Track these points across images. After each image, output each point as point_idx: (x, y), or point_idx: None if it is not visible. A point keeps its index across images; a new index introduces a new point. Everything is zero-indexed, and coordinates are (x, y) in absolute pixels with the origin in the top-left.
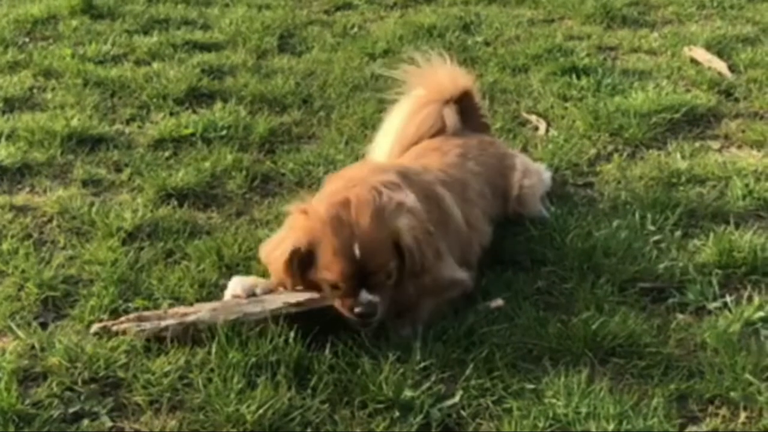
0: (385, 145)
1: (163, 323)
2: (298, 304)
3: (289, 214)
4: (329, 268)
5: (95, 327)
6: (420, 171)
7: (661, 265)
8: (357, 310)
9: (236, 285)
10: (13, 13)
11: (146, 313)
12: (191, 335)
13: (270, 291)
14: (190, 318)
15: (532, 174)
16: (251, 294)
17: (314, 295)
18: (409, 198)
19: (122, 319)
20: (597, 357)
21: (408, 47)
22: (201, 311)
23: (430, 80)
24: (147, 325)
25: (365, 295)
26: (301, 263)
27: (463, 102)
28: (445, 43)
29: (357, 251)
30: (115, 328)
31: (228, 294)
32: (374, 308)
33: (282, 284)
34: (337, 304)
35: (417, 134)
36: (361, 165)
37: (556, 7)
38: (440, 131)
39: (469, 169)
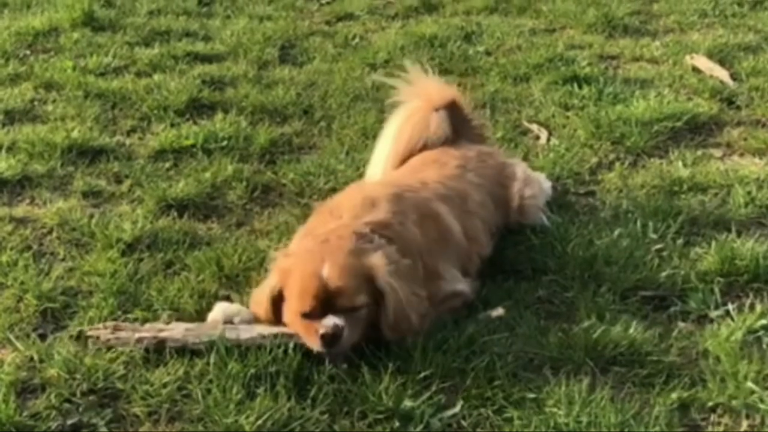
0: (382, 155)
1: (137, 335)
2: (272, 336)
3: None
4: (298, 295)
5: (74, 330)
6: (416, 188)
7: (663, 274)
8: (321, 331)
9: (218, 311)
10: (14, 26)
11: (122, 324)
12: (167, 351)
13: (249, 322)
14: (163, 334)
15: (534, 183)
16: (229, 321)
17: (288, 330)
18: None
19: (98, 325)
20: (598, 366)
21: (409, 57)
22: (174, 330)
23: (417, 91)
24: (122, 335)
25: (330, 319)
26: (278, 303)
27: (452, 112)
28: (446, 53)
29: (325, 273)
30: (90, 333)
31: (209, 317)
32: (339, 331)
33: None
34: (304, 333)
35: (410, 142)
36: (352, 192)
37: (557, 16)
38: (434, 139)
39: (469, 181)
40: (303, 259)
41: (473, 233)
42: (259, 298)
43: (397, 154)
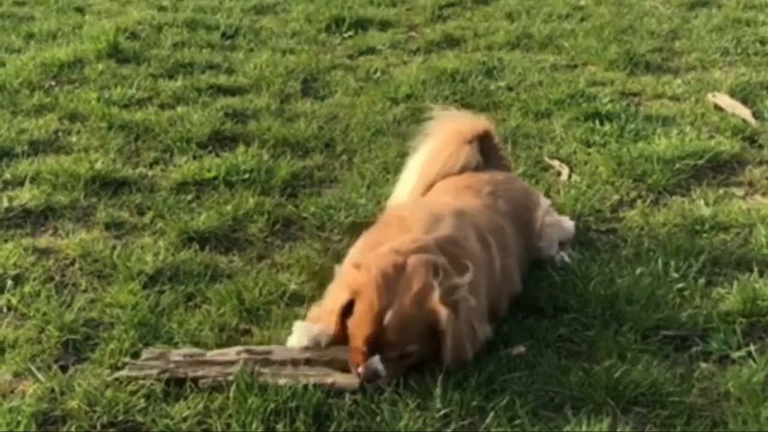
0: (409, 182)
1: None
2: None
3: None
4: (356, 327)
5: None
6: (474, 214)
7: (685, 313)
8: (360, 370)
9: (301, 333)
10: (40, 57)
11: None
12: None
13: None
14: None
15: (553, 215)
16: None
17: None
18: (466, 278)
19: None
20: (619, 405)
21: (431, 92)
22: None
23: (452, 123)
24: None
25: (374, 363)
26: (347, 316)
27: (484, 142)
28: (468, 88)
29: (387, 320)
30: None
31: (292, 342)
32: (376, 377)
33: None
34: (350, 355)
35: (440, 173)
36: (416, 206)
37: (579, 52)
38: (463, 169)
39: (501, 211)
40: (374, 285)
41: (508, 271)
42: (328, 306)
43: (425, 184)
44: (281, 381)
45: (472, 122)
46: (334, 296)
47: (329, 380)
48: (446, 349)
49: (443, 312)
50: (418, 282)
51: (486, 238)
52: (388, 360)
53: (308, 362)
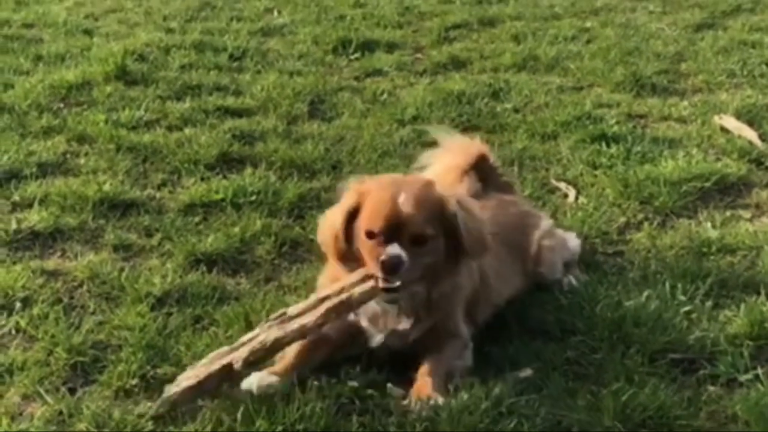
0: None
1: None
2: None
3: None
4: (371, 217)
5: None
6: None
7: (692, 336)
8: (382, 258)
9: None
10: (48, 79)
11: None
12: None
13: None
14: None
15: (555, 237)
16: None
17: None
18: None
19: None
20: (627, 429)
21: (437, 114)
22: None
23: (448, 155)
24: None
25: (395, 247)
26: (351, 222)
27: (480, 166)
28: (474, 110)
29: (401, 200)
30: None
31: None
32: (399, 261)
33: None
34: (367, 256)
35: None
36: None
37: (585, 74)
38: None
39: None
40: (380, 184)
41: (485, 275)
42: (332, 218)
43: None
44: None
45: (468, 149)
46: (338, 205)
47: (345, 296)
48: (463, 232)
49: (451, 199)
50: (421, 181)
51: None
52: (407, 248)
53: None
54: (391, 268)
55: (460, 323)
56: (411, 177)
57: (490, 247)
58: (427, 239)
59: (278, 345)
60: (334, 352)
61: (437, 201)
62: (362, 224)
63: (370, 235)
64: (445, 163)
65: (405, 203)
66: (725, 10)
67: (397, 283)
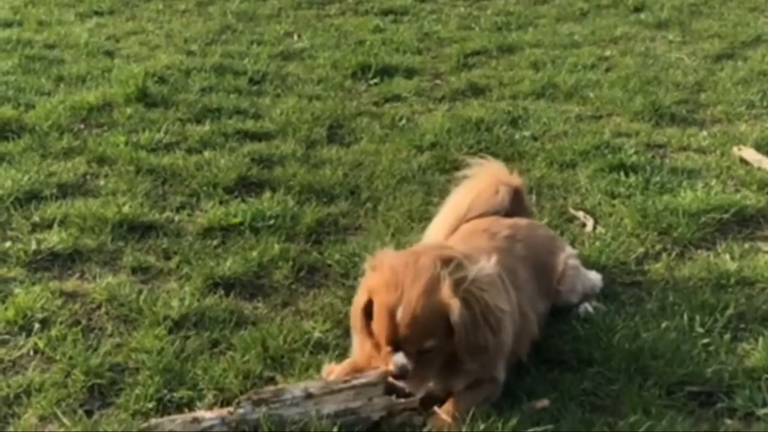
0: (441, 221)
1: None
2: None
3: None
4: (376, 327)
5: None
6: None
7: (710, 369)
8: (390, 367)
9: None
10: (69, 100)
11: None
12: None
13: None
14: None
15: (577, 261)
16: None
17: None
18: (487, 268)
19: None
20: None
21: (456, 140)
22: None
23: (492, 168)
24: None
25: (399, 358)
26: (369, 317)
27: (514, 195)
28: (492, 137)
29: (399, 316)
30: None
31: None
32: (405, 371)
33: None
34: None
35: (473, 206)
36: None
37: (604, 103)
38: (496, 208)
39: (517, 254)
40: (385, 283)
41: (523, 310)
42: (354, 313)
43: (456, 219)
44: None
45: (507, 176)
46: (356, 299)
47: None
48: (459, 341)
49: (454, 304)
50: (426, 275)
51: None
52: (410, 355)
53: None
54: (398, 376)
55: (501, 370)
56: (420, 266)
57: (486, 346)
58: (430, 350)
59: None
60: None
61: (438, 309)
62: (373, 328)
63: (377, 345)
64: (488, 173)
65: (403, 319)
66: (745, 40)
67: (417, 396)
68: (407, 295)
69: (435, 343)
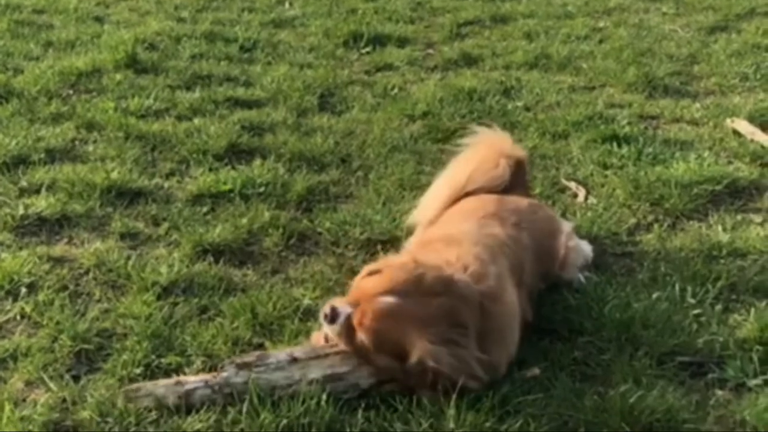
0: (434, 193)
1: None
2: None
3: None
4: (357, 288)
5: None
6: (499, 252)
7: (701, 340)
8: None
9: None
10: (58, 66)
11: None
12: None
13: None
14: None
15: (575, 239)
16: None
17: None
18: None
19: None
20: (634, 431)
21: (448, 110)
22: None
23: (494, 138)
24: None
25: (336, 302)
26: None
27: (516, 169)
28: (485, 107)
29: (380, 306)
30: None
31: None
32: (335, 315)
33: None
34: None
35: (468, 182)
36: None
37: (597, 74)
38: (494, 182)
39: (524, 246)
40: (392, 277)
41: (522, 303)
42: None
43: (454, 190)
44: None
45: (512, 146)
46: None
47: None
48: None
49: (422, 348)
50: (424, 306)
51: (506, 288)
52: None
53: None
54: (328, 317)
55: (502, 363)
56: (426, 288)
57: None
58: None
59: None
60: None
61: (398, 344)
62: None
63: None
64: (489, 144)
65: (366, 341)
66: (739, 13)
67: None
68: (399, 302)
69: (387, 362)
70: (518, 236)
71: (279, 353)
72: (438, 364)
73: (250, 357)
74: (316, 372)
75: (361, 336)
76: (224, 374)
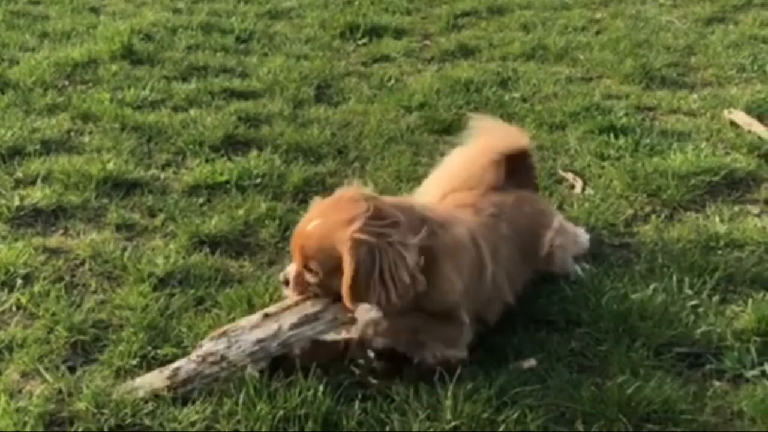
0: (435, 186)
1: None
2: None
3: None
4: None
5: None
6: (467, 219)
7: (698, 331)
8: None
9: None
10: (54, 56)
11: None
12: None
13: None
14: None
15: (566, 234)
16: None
17: None
18: (403, 233)
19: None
20: (632, 422)
21: (445, 101)
22: None
23: (489, 138)
24: None
25: (288, 267)
26: None
27: (517, 161)
28: (482, 99)
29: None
30: None
31: None
32: (285, 280)
33: None
34: None
35: (463, 185)
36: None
37: (594, 65)
38: (488, 184)
39: (500, 233)
40: (317, 205)
41: (499, 281)
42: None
43: (442, 193)
44: None
45: (512, 139)
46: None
47: None
48: (344, 281)
49: (350, 242)
50: (349, 211)
51: (477, 240)
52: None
53: None
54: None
55: (449, 292)
56: (347, 201)
57: (370, 301)
58: (313, 271)
59: None
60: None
61: (337, 241)
62: None
63: None
64: (481, 147)
65: (299, 237)
66: (736, 4)
67: None
68: (324, 218)
69: (316, 265)
70: (494, 225)
71: (250, 316)
72: (356, 253)
73: (224, 327)
74: (291, 318)
75: (309, 271)
76: (204, 347)
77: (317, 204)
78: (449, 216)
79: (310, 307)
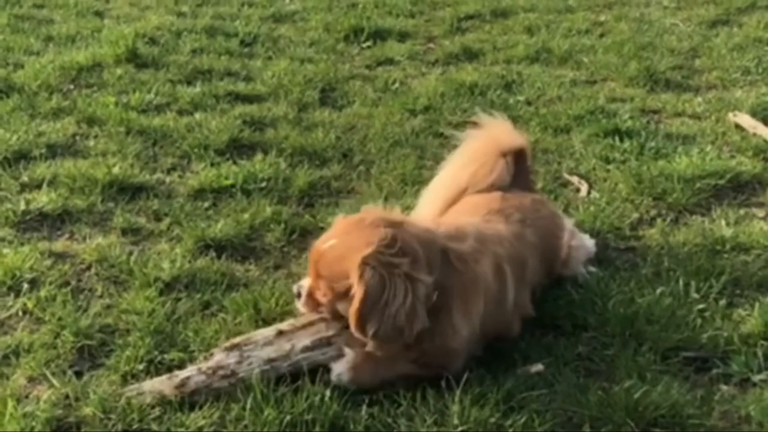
0: (437, 190)
1: None
2: None
3: None
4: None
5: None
6: (496, 241)
7: (705, 335)
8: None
9: None
10: (58, 60)
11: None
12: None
13: None
14: None
15: (577, 235)
16: None
17: None
18: (416, 269)
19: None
20: (639, 427)
21: (449, 104)
22: None
23: (491, 133)
24: None
25: (303, 282)
26: None
27: (516, 159)
28: (486, 102)
29: (317, 252)
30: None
31: None
32: (298, 293)
33: None
34: None
35: (471, 183)
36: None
37: (598, 68)
38: (493, 184)
39: (528, 242)
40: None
41: (521, 301)
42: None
43: (453, 194)
44: None
45: (512, 136)
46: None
47: None
48: (351, 307)
49: (360, 268)
50: (366, 236)
51: (502, 268)
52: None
53: None
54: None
55: (459, 329)
56: (367, 227)
57: (372, 335)
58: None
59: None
60: None
61: (348, 266)
62: None
63: None
64: (486, 142)
65: (318, 259)
66: (740, 6)
67: None
68: (340, 240)
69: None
70: (522, 233)
71: (264, 330)
72: (365, 280)
73: (237, 339)
74: (304, 340)
75: (319, 289)
76: (215, 358)
77: (339, 222)
78: (477, 246)
79: (324, 330)
